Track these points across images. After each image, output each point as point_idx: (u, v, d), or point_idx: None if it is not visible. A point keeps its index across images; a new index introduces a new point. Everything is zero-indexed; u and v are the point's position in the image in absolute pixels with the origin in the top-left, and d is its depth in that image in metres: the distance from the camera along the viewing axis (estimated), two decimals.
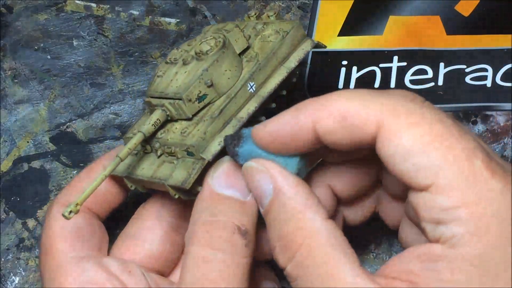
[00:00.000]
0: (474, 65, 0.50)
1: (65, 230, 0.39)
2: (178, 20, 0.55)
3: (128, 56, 0.54)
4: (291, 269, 0.31)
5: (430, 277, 0.29)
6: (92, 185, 0.34)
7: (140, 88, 0.53)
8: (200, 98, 0.36)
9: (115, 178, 0.40)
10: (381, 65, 0.51)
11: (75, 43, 0.55)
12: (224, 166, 0.35)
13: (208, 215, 0.34)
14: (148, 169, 0.37)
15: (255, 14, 0.43)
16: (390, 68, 0.50)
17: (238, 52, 0.38)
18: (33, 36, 0.55)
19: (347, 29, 0.52)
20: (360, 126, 0.31)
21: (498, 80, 0.49)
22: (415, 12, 0.52)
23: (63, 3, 0.56)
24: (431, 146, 0.29)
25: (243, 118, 0.37)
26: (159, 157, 0.37)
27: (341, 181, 0.37)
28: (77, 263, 0.37)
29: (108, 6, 0.56)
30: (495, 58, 0.50)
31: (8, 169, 0.50)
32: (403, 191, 0.36)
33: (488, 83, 0.49)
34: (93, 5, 0.56)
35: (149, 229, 0.39)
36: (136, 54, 0.54)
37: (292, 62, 0.39)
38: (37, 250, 0.47)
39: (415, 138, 0.30)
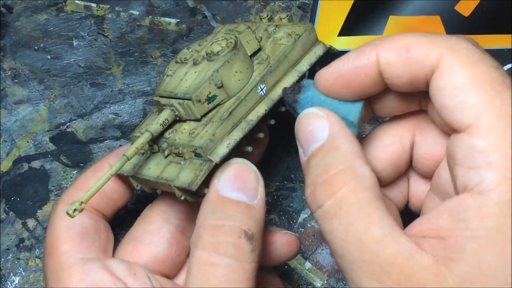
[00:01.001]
0: None
1: (70, 230, 0.38)
2: (178, 20, 0.55)
3: (128, 56, 0.54)
4: (329, 206, 0.31)
5: (459, 228, 0.29)
6: (97, 183, 0.34)
7: (140, 88, 0.53)
8: (209, 99, 0.36)
9: (121, 177, 0.40)
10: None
11: (75, 43, 0.55)
12: (232, 169, 0.35)
13: (214, 218, 0.34)
14: (154, 169, 0.37)
15: (267, 16, 0.43)
16: None
17: (249, 53, 0.38)
18: (33, 36, 0.55)
19: (347, 29, 0.52)
20: (421, 59, 0.31)
21: None
22: (415, 12, 0.52)
23: (63, 3, 0.56)
24: (481, 87, 0.30)
25: (252, 121, 0.36)
26: (166, 157, 0.37)
27: (378, 160, 0.37)
28: (82, 265, 0.37)
29: (108, 6, 0.56)
30: (495, 58, 0.50)
31: (8, 169, 0.50)
32: (433, 166, 0.36)
33: None
34: (93, 5, 0.56)
35: (155, 231, 0.39)
36: (136, 54, 0.54)
37: (304, 66, 0.39)
38: (37, 250, 0.47)
39: (468, 76, 0.30)
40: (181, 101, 0.36)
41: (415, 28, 0.52)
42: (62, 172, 0.50)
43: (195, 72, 0.37)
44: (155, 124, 0.36)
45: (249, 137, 0.37)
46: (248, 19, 0.54)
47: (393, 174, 0.38)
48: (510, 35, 0.51)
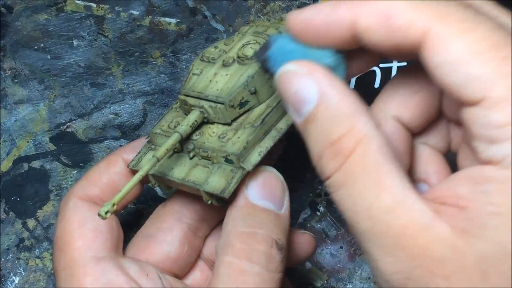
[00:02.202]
0: None
1: (84, 226, 0.37)
2: (178, 20, 0.55)
3: (128, 56, 0.54)
4: (339, 175, 0.28)
5: (480, 200, 0.26)
6: (128, 185, 0.33)
7: (140, 88, 0.53)
8: (241, 104, 0.36)
9: (133, 172, 0.39)
10: (381, 65, 0.51)
11: (75, 43, 0.55)
12: (261, 176, 0.34)
13: (245, 225, 0.33)
14: (179, 170, 0.36)
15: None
16: (390, 68, 0.50)
17: None
18: (33, 36, 0.55)
19: None
20: (403, 29, 0.27)
21: None
22: None
23: (63, 3, 0.56)
24: (485, 55, 0.26)
25: (282, 129, 0.36)
26: (191, 158, 0.36)
27: (407, 108, 0.33)
28: (97, 264, 0.36)
29: (108, 6, 0.56)
30: None
31: (8, 169, 0.50)
32: (458, 111, 0.30)
33: None
34: (93, 5, 0.56)
35: (168, 230, 0.38)
36: (136, 54, 0.54)
37: None
38: (37, 250, 0.47)
39: (466, 45, 0.26)
40: (212, 104, 0.36)
41: None
42: (62, 172, 0.50)
43: (227, 75, 0.36)
44: (184, 125, 0.35)
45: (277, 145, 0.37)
46: (248, 19, 0.54)
47: (427, 121, 0.34)
48: None
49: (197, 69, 0.38)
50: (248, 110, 0.36)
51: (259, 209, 0.34)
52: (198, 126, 0.36)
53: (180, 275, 0.39)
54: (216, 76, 0.37)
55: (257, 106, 0.36)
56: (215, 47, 0.38)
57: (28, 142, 0.51)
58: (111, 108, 0.52)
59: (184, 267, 0.39)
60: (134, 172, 0.39)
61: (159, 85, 0.53)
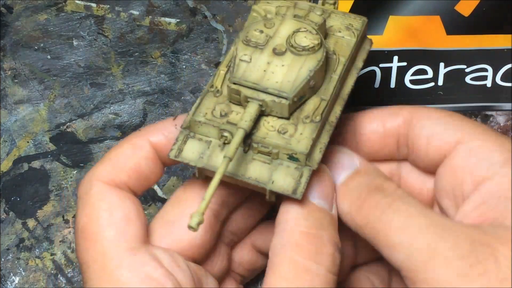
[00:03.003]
0: (474, 65, 0.50)
1: (113, 215, 0.34)
2: (178, 20, 0.55)
3: (128, 56, 0.54)
4: (361, 221, 0.33)
5: None
6: (209, 191, 0.31)
7: (140, 88, 0.53)
8: (300, 98, 0.35)
9: (155, 156, 0.37)
10: (381, 65, 0.51)
11: (75, 43, 0.55)
12: (316, 175, 0.34)
13: (308, 226, 0.33)
14: (234, 164, 0.34)
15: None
16: (390, 68, 0.50)
17: None
18: (33, 36, 0.55)
19: None
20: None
21: (498, 80, 0.49)
22: (415, 12, 0.52)
23: (63, 3, 0.56)
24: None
25: (333, 123, 0.35)
26: (245, 152, 0.34)
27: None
28: (132, 255, 0.33)
29: (108, 6, 0.56)
30: (495, 58, 0.50)
31: (8, 169, 0.50)
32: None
33: (488, 83, 0.49)
34: (93, 5, 0.56)
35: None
36: (136, 54, 0.54)
37: (360, 62, 0.38)
38: (37, 250, 0.47)
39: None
40: (275, 98, 0.34)
41: (415, 28, 0.52)
42: (62, 172, 0.50)
43: (283, 66, 0.35)
44: (248, 120, 0.34)
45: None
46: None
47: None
48: (510, 35, 0.51)
49: (244, 55, 0.35)
50: (303, 102, 0.35)
51: (318, 209, 0.34)
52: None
53: (201, 261, 0.37)
54: (270, 66, 0.35)
55: (309, 98, 0.35)
56: (261, 31, 0.36)
57: (28, 142, 0.51)
58: (111, 108, 0.52)
59: (206, 253, 0.37)
60: (154, 155, 0.37)
61: (159, 85, 0.53)
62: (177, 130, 0.36)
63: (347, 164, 0.36)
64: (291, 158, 0.34)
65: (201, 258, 0.37)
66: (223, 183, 0.35)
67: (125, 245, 0.34)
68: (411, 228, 0.31)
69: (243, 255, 0.41)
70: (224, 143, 0.35)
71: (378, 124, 0.38)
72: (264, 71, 0.35)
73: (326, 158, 0.36)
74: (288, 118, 0.35)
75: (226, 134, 0.34)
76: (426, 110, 0.37)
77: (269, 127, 0.35)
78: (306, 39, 0.35)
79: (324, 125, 0.35)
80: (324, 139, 0.34)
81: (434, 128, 0.36)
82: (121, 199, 0.34)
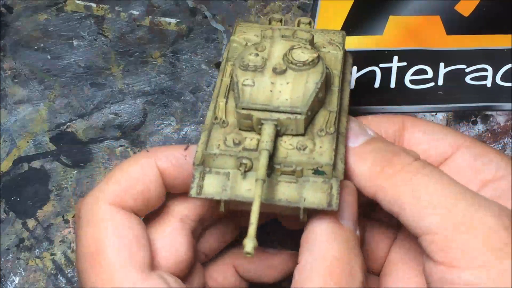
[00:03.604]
0: (474, 65, 0.50)
1: (123, 237, 0.33)
2: (178, 20, 0.55)
3: (128, 56, 0.54)
4: (384, 183, 0.33)
5: None
6: (254, 216, 0.30)
7: (140, 88, 0.53)
8: (312, 112, 0.35)
9: (161, 181, 0.36)
10: (381, 65, 0.51)
11: (75, 43, 0.55)
12: (348, 193, 0.33)
13: (340, 249, 0.32)
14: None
15: (281, 20, 0.41)
16: (390, 68, 0.50)
17: None
18: (33, 36, 0.55)
19: (347, 29, 0.52)
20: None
21: (498, 80, 0.49)
22: (415, 12, 0.52)
23: (63, 3, 0.56)
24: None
25: (343, 133, 0.35)
26: (268, 176, 0.34)
27: None
28: (145, 280, 0.32)
29: (108, 6, 0.56)
30: (495, 58, 0.50)
31: (8, 169, 0.50)
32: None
33: (488, 83, 0.49)
34: (93, 5, 0.56)
35: (175, 233, 0.36)
36: (136, 54, 0.54)
37: (348, 75, 0.39)
38: (37, 250, 0.47)
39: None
40: (290, 115, 0.34)
41: (415, 28, 0.52)
42: (62, 172, 0.50)
43: (287, 83, 0.35)
44: (268, 141, 0.33)
45: None
46: (248, 19, 0.54)
47: None
48: (510, 35, 0.51)
49: (246, 79, 0.35)
50: (313, 117, 0.35)
51: (347, 231, 0.32)
52: None
53: (184, 279, 0.37)
54: (276, 86, 0.35)
55: (317, 112, 0.35)
56: (256, 55, 0.36)
57: (28, 142, 0.51)
58: (111, 108, 0.52)
59: (187, 271, 0.37)
60: (168, 185, 0.36)
61: (159, 85, 0.53)
62: (186, 161, 0.36)
63: (362, 131, 0.36)
64: (317, 172, 0.33)
65: (184, 275, 0.37)
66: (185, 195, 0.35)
67: (136, 269, 0.32)
68: (449, 194, 0.31)
69: (224, 276, 0.40)
70: (245, 171, 0.34)
71: (376, 129, 0.38)
72: (271, 91, 0.35)
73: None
74: (303, 134, 0.34)
75: (245, 161, 0.34)
76: (421, 119, 0.38)
77: (287, 146, 0.34)
78: (304, 54, 0.35)
79: (338, 137, 0.35)
80: (342, 149, 0.34)
81: (434, 133, 0.37)
82: (129, 222, 0.33)
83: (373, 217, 0.39)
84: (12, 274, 0.46)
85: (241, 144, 0.34)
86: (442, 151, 0.36)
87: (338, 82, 0.37)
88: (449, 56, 0.50)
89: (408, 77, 0.50)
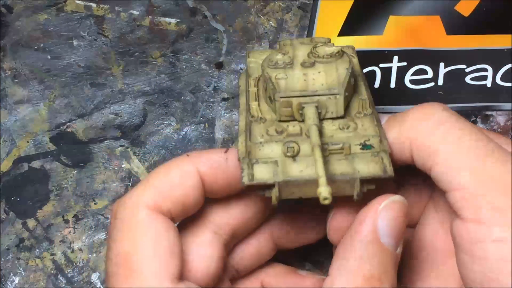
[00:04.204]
0: (474, 65, 0.50)
1: (159, 246, 0.32)
2: (178, 20, 0.55)
3: (128, 56, 0.54)
4: (419, 141, 0.33)
5: None
6: (319, 164, 0.30)
7: (140, 88, 0.53)
8: (348, 95, 0.36)
9: (201, 186, 0.35)
10: (381, 65, 0.51)
11: (75, 43, 0.55)
12: (392, 209, 0.31)
13: (372, 269, 0.30)
14: (311, 169, 0.33)
15: (290, 44, 0.41)
16: (390, 68, 0.50)
17: None
18: (33, 36, 0.55)
19: (347, 29, 0.52)
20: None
21: (498, 80, 0.49)
22: (415, 12, 0.52)
23: (63, 3, 0.56)
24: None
25: (378, 119, 0.36)
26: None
27: None
28: None
29: (108, 6, 0.56)
30: (495, 58, 0.50)
31: (8, 169, 0.50)
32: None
33: (488, 83, 0.49)
34: (93, 5, 0.56)
35: (206, 244, 0.35)
36: (136, 54, 0.54)
37: (364, 81, 0.40)
38: (37, 250, 0.47)
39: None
40: (330, 96, 0.35)
41: (415, 28, 0.52)
42: (62, 172, 0.50)
43: (319, 72, 0.36)
44: (313, 118, 0.34)
45: None
46: (248, 20, 0.54)
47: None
48: (510, 35, 0.51)
49: (278, 74, 0.36)
50: (348, 103, 0.36)
51: (384, 250, 0.31)
52: None
53: None
54: (308, 76, 0.36)
55: (349, 98, 0.37)
56: (282, 54, 0.37)
57: (28, 142, 0.51)
58: (111, 108, 0.52)
59: (215, 284, 0.35)
60: (207, 190, 0.35)
61: (159, 85, 0.53)
62: (227, 164, 0.35)
63: (381, 116, 0.36)
64: (364, 147, 0.34)
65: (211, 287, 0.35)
66: (219, 205, 0.35)
67: (167, 279, 0.31)
68: (481, 149, 0.30)
69: None
70: (293, 156, 0.33)
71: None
72: (305, 80, 0.36)
73: None
74: (343, 117, 0.35)
75: (292, 145, 0.33)
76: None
77: (331, 127, 0.35)
78: (328, 49, 0.37)
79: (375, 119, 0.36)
80: (382, 130, 0.35)
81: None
82: (167, 230, 0.32)
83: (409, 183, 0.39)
84: (12, 274, 0.46)
85: (284, 132, 0.35)
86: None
87: (363, 78, 0.38)
88: (449, 56, 0.50)
89: (408, 77, 0.50)
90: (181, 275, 0.32)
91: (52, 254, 0.47)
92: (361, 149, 0.34)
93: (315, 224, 0.39)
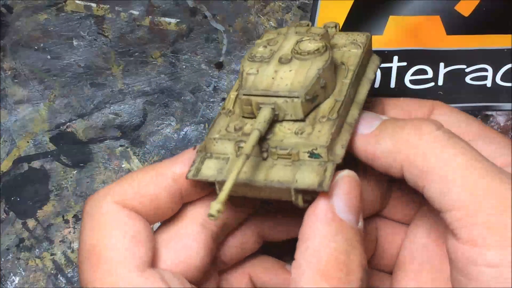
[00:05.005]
0: (474, 65, 0.50)
1: (125, 236, 0.32)
2: (178, 20, 0.55)
3: (128, 56, 0.54)
4: (410, 157, 0.32)
5: None
6: (229, 182, 0.30)
7: (140, 88, 0.53)
8: (313, 99, 0.35)
9: (175, 189, 0.35)
10: (381, 65, 0.51)
11: (75, 43, 0.55)
12: (344, 183, 0.32)
13: (337, 249, 0.30)
14: (253, 172, 0.33)
15: (307, 25, 0.40)
16: (390, 68, 0.50)
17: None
18: (33, 36, 0.55)
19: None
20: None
21: (498, 80, 0.49)
22: (415, 12, 0.52)
23: (63, 3, 0.56)
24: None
25: (352, 123, 0.35)
26: (265, 159, 0.34)
27: None
28: (141, 276, 0.32)
29: (108, 6, 0.56)
30: (495, 58, 0.50)
31: (8, 169, 0.50)
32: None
33: (488, 83, 0.49)
34: (93, 5, 0.56)
35: (192, 237, 0.35)
36: (136, 54, 0.54)
37: (370, 74, 0.38)
38: (37, 250, 0.47)
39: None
40: (287, 99, 0.34)
41: (415, 28, 0.52)
42: (62, 172, 0.50)
43: (290, 71, 0.35)
44: (261, 122, 0.33)
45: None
46: (248, 20, 0.54)
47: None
48: (510, 35, 0.51)
49: (251, 69, 0.36)
50: (317, 105, 0.35)
51: (346, 226, 0.31)
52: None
53: (197, 284, 0.36)
54: (278, 73, 0.35)
55: (323, 101, 0.35)
56: (264, 47, 0.37)
57: (28, 142, 0.51)
58: (111, 108, 0.52)
59: (203, 276, 0.36)
60: (174, 188, 0.35)
61: (159, 85, 0.53)
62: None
63: (375, 117, 0.35)
64: (312, 155, 0.33)
65: (197, 281, 0.36)
66: (235, 202, 0.35)
67: (134, 266, 0.32)
68: (476, 169, 0.30)
69: (239, 285, 0.39)
70: (238, 155, 0.34)
71: (404, 111, 0.37)
72: (273, 78, 0.35)
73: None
74: (303, 120, 0.34)
75: (242, 145, 0.34)
76: (450, 106, 0.38)
77: (286, 130, 0.34)
78: (310, 45, 0.35)
79: (343, 125, 0.35)
80: (345, 136, 0.34)
81: (460, 120, 0.36)
82: (131, 219, 0.33)
83: (384, 214, 0.39)
84: (12, 274, 0.46)
85: (241, 130, 0.35)
86: (464, 136, 0.35)
87: (352, 76, 0.37)
88: (449, 56, 0.50)
89: (408, 77, 0.50)
90: (153, 263, 0.33)
91: (52, 254, 0.47)
92: (309, 157, 0.33)
93: (302, 217, 0.39)
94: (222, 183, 0.33)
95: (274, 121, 0.34)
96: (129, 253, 0.32)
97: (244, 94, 0.35)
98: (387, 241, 0.38)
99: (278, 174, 0.33)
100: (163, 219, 0.36)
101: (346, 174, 0.32)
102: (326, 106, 0.35)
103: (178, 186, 0.35)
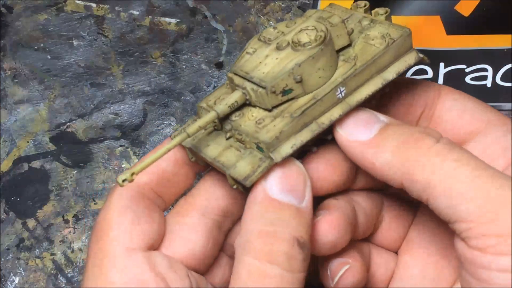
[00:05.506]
0: (474, 65, 0.50)
1: (123, 216, 0.35)
2: (178, 20, 0.55)
3: (128, 56, 0.54)
4: (411, 169, 0.32)
5: None
6: (153, 156, 0.31)
7: (140, 88, 0.53)
8: (285, 92, 0.34)
9: (183, 160, 0.37)
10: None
11: (75, 43, 0.55)
12: (280, 168, 0.33)
13: (265, 223, 0.32)
14: (213, 148, 0.35)
15: (364, 6, 0.39)
16: None
17: (336, 48, 0.36)
18: (33, 36, 0.55)
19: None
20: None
21: (498, 80, 0.49)
22: (415, 12, 0.52)
23: (63, 3, 0.56)
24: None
25: (324, 124, 0.34)
26: (227, 139, 0.35)
27: None
28: (127, 256, 0.34)
29: (108, 6, 0.56)
30: (495, 58, 0.50)
31: (8, 169, 0.50)
32: None
33: (488, 83, 0.49)
34: (93, 5, 0.56)
35: (192, 226, 0.36)
36: (136, 54, 0.54)
37: (391, 74, 0.36)
38: (37, 250, 0.47)
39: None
40: (255, 86, 0.34)
41: (415, 28, 0.52)
42: (62, 172, 0.50)
43: (277, 59, 0.35)
44: (223, 104, 0.34)
45: (315, 140, 0.35)
46: (248, 20, 0.54)
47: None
48: (510, 35, 0.51)
49: (251, 48, 0.36)
50: (292, 98, 0.35)
51: (279, 204, 0.32)
52: (241, 107, 0.35)
53: (202, 272, 0.37)
54: (267, 58, 0.35)
55: (302, 96, 0.35)
56: (274, 28, 0.37)
57: (28, 142, 0.51)
58: (111, 108, 0.52)
59: (207, 264, 0.37)
60: (182, 161, 0.37)
61: (159, 85, 0.53)
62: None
63: (374, 119, 0.34)
64: (258, 147, 0.34)
65: (202, 269, 0.37)
66: (211, 186, 0.36)
67: (125, 245, 0.34)
68: (481, 180, 0.30)
69: None
70: (215, 128, 0.36)
71: (410, 94, 0.37)
72: (260, 63, 0.35)
73: (345, 118, 0.35)
74: (270, 110, 0.35)
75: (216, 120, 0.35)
76: (454, 89, 0.37)
77: (250, 116, 0.35)
78: (306, 36, 0.35)
79: (308, 124, 0.34)
80: (303, 137, 0.34)
81: (466, 104, 0.36)
82: (136, 203, 0.35)
83: (391, 193, 0.39)
84: (12, 274, 0.46)
85: None
86: (474, 125, 0.35)
87: (348, 75, 0.35)
88: (449, 56, 0.50)
89: (408, 77, 0.50)
90: (158, 246, 0.35)
91: (52, 254, 0.47)
92: (256, 148, 0.34)
93: None
94: (190, 150, 0.35)
95: (247, 104, 0.35)
96: (124, 233, 0.34)
97: (232, 72, 0.36)
98: (393, 222, 0.39)
99: (227, 156, 0.34)
100: (179, 192, 0.38)
101: (285, 161, 0.33)
102: (301, 101, 0.35)
103: (179, 154, 0.37)
